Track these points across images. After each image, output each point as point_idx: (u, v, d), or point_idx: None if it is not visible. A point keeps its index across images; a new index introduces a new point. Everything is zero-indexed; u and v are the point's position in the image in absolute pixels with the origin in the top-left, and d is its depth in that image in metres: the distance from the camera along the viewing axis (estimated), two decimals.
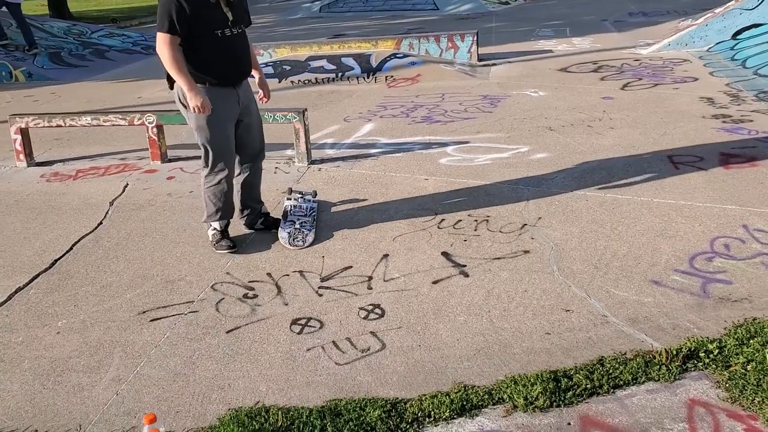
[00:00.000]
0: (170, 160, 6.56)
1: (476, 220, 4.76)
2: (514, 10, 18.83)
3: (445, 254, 4.30)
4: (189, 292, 4.06)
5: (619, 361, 3.10)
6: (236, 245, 4.55)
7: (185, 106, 4.30)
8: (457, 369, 3.16)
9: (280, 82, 9.76)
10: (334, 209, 5.15)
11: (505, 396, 2.92)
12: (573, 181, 5.37)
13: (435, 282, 3.98)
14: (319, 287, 4.01)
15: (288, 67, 10.15)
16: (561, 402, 2.86)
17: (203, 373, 3.27)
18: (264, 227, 4.83)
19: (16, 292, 4.19)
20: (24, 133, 6.68)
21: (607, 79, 9.06)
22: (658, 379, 2.97)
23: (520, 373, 3.07)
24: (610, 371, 3.02)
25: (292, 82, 9.90)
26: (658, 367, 3.03)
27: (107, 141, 7.41)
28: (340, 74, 9.92)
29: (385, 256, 4.34)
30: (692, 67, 9.32)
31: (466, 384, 3.03)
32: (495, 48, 11.94)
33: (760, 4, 10.34)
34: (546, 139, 6.50)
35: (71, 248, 4.76)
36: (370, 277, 4.08)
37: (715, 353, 3.09)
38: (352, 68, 9.96)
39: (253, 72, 4.63)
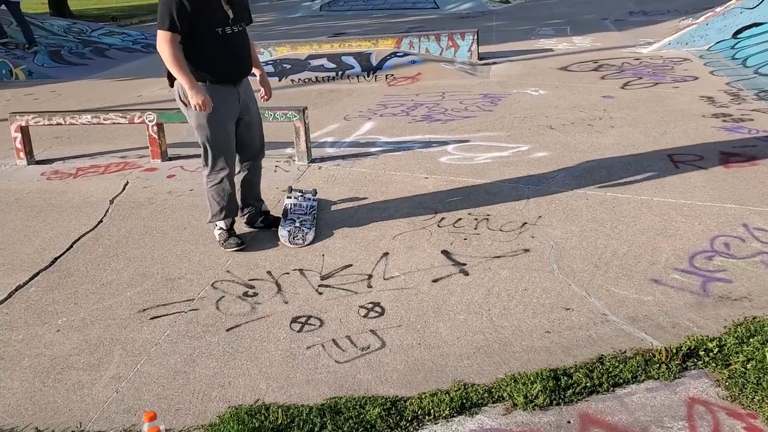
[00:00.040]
0: (170, 159, 6.56)
1: (476, 219, 4.76)
2: (514, 9, 18.82)
3: (445, 253, 4.30)
4: (189, 290, 4.06)
5: (618, 359, 3.11)
6: (244, 242, 4.55)
7: (186, 104, 4.30)
8: (456, 367, 3.17)
9: (280, 80, 9.76)
10: (334, 208, 5.15)
11: (504, 394, 2.92)
12: (573, 179, 5.37)
13: (435, 280, 3.98)
14: (319, 285, 4.01)
15: (288, 66, 10.15)
16: (561, 400, 2.86)
17: (203, 371, 3.27)
18: (264, 225, 4.83)
19: (16, 290, 4.20)
20: (24, 131, 6.68)
21: (608, 78, 9.06)
22: (658, 378, 2.97)
23: (520, 372, 3.07)
24: (610, 369, 3.02)
25: (292, 80, 9.90)
26: (657, 365, 3.03)
27: (107, 139, 7.41)
28: (340, 73, 9.92)
29: (385, 254, 4.34)
30: (693, 66, 9.32)
31: (465, 382, 3.03)
32: (495, 47, 11.93)
33: (760, 3, 10.33)
34: (546, 138, 6.50)
35: (71, 246, 4.77)
36: (370, 276, 4.08)
37: (715, 352, 3.09)
38: (353, 67, 9.95)
39: (255, 70, 4.64)
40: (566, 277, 3.91)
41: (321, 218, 4.94)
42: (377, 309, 3.71)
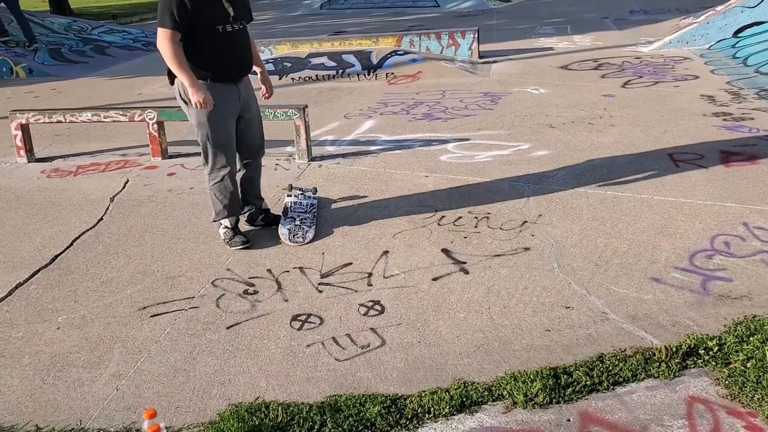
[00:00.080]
0: (171, 157, 6.56)
1: (476, 217, 4.76)
2: (515, 8, 18.81)
3: (445, 251, 4.30)
4: (189, 288, 4.06)
5: (618, 357, 3.11)
6: (250, 240, 4.55)
7: (186, 102, 4.30)
8: (456, 365, 3.17)
9: (280, 78, 9.76)
10: (334, 206, 5.15)
11: (504, 392, 2.92)
12: (573, 178, 5.37)
13: (435, 279, 3.98)
14: (319, 283, 4.01)
15: (288, 64, 10.14)
16: (561, 398, 2.86)
17: (203, 369, 3.27)
18: (264, 223, 4.83)
19: (16, 287, 4.20)
20: (24, 128, 6.68)
21: (608, 76, 9.06)
22: (658, 376, 2.97)
23: (520, 370, 3.07)
24: (610, 368, 3.03)
25: (292, 78, 9.89)
26: (657, 364, 3.03)
27: (108, 137, 7.41)
28: (340, 71, 9.91)
29: (385, 252, 4.34)
30: (693, 65, 9.32)
31: (465, 380, 3.03)
32: (496, 45, 11.93)
33: (761, 2, 10.32)
34: (546, 137, 6.50)
35: (71, 244, 4.77)
36: (370, 274, 4.08)
37: (715, 350, 3.09)
38: (353, 65, 9.95)
39: (255, 68, 4.63)
40: (566, 276, 3.91)
41: (321, 216, 4.94)
42: (377, 307, 3.71)
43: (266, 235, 4.70)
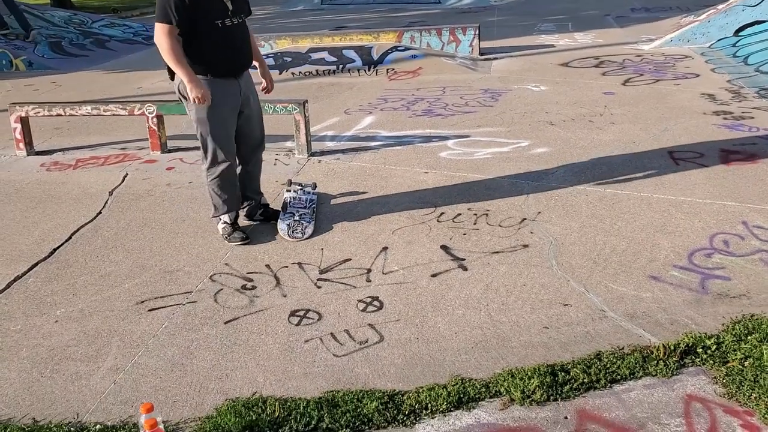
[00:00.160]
0: (170, 151, 6.55)
1: (476, 214, 4.75)
2: (516, 4, 18.77)
3: (444, 248, 4.30)
4: (187, 282, 4.06)
5: (616, 355, 3.11)
6: (249, 237, 4.54)
7: (185, 98, 4.28)
8: (454, 362, 3.17)
9: (280, 73, 9.75)
10: (333, 201, 5.15)
11: (502, 389, 2.92)
12: (573, 176, 5.37)
13: (434, 275, 3.98)
14: (317, 279, 4.01)
15: (289, 59, 10.13)
16: (558, 396, 2.86)
17: (201, 364, 3.27)
18: (263, 218, 4.83)
19: (14, 280, 4.19)
20: (24, 122, 6.67)
21: (609, 74, 9.05)
22: (656, 374, 2.97)
23: (518, 367, 3.07)
24: (608, 366, 3.03)
25: (293, 73, 9.88)
26: (655, 362, 3.03)
27: (107, 131, 7.40)
28: (341, 66, 9.90)
29: (384, 248, 4.33)
30: (694, 64, 9.31)
31: (463, 377, 3.03)
32: (497, 42, 11.91)
33: (762, 1, 10.31)
34: (546, 134, 6.50)
35: (70, 237, 4.76)
36: (369, 270, 4.08)
37: (713, 349, 3.09)
38: (353, 60, 9.94)
39: (255, 62, 4.62)
40: (565, 273, 3.91)
41: (320, 212, 4.94)
42: (376, 303, 3.71)
43: (265, 230, 4.70)
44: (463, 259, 4.14)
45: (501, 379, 2.98)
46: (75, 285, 4.10)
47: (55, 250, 4.58)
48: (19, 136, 6.68)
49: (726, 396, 2.82)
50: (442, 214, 4.79)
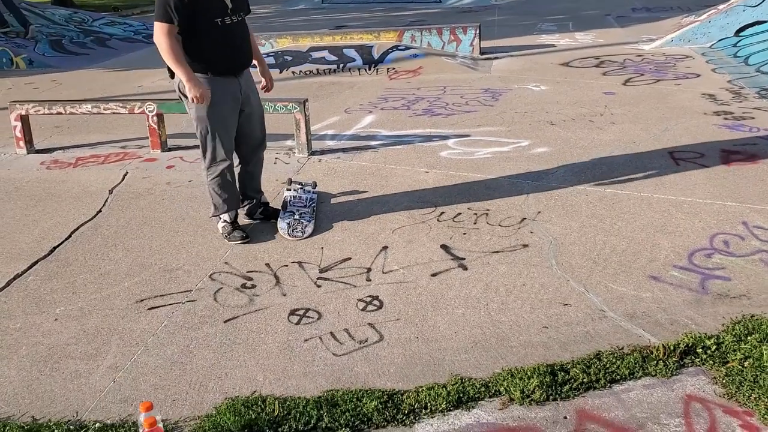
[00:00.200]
0: (170, 149, 6.55)
1: (476, 214, 4.75)
2: (517, 4, 18.74)
3: (444, 247, 4.30)
4: (187, 281, 4.06)
5: (616, 355, 3.11)
6: (249, 235, 4.54)
7: (185, 96, 4.28)
8: (454, 361, 3.17)
9: (281, 72, 9.74)
10: (333, 201, 5.15)
11: (501, 389, 2.92)
12: (573, 175, 5.37)
13: (434, 274, 3.98)
14: (317, 278, 4.01)
15: (289, 58, 10.13)
16: (557, 396, 2.86)
17: (200, 362, 3.27)
18: (263, 217, 4.83)
19: (14, 278, 4.19)
20: (24, 120, 6.66)
21: (609, 74, 9.04)
22: (655, 375, 2.97)
23: (517, 366, 3.07)
24: (607, 366, 3.02)
25: (293, 72, 9.88)
26: (655, 362, 3.03)
27: (107, 129, 7.40)
28: (341, 65, 9.89)
29: (384, 248, 4.33)
30: (694, 64, 9.30)
31: (462, 376, 3.03)
32: (497, 41, 11.90)
33: (763, 1, 10.30)
34: (547, 134, 6.49)
35: (70, 236, 4.76)
36: (369, 269, 4.08)
37: (713, 349, 3.09)
38: (354, 59, 9.94)
39: (255, 60, 4.61)
40: (565, 273, 3.91)
41: (320, 211, 4.94)
42: (375, 302, 3.71)
43: (265, 229, 4.70)
44: (463, 259, 4.14)
45: (500, 378, 2.98)
46: (75, 283, 4.10)
47: (54, 248, 4.58)
48: (19, 134, 6.68)
49: (726, 396, 2.82)
50: (442, 213, 4.79)
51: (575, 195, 4.99)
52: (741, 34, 10.24)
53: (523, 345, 3.27)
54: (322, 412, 2.83)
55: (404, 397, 2.91)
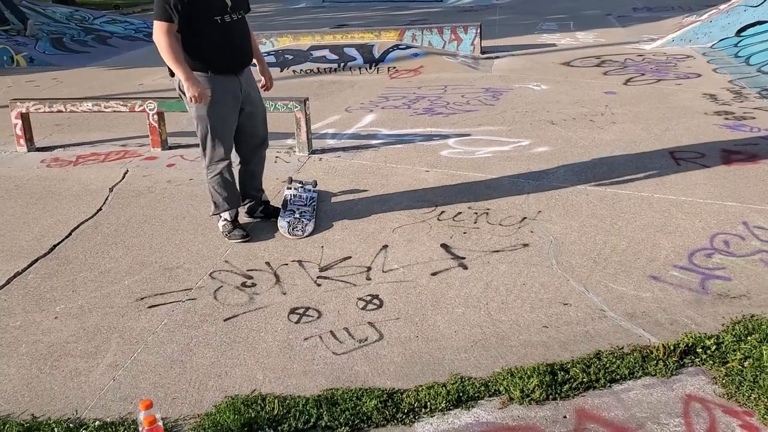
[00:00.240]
0: (170, 148, 6.55)
1: (476, 213, 4.75)
2: (518, 3, 18.74)
3: (444, 246, 4.30)
4: (187, 279, 4.06)
5: (616, 355, 3.11)
6: (249, 234, 4.53)
7: (185, 95, 4.27)
8: (454, 360, 3.17)
9: (282, 71, 9.74)
10: (334, 199, 5.15)
11: (501, 388, 2.92)
12: (574, 175, 5.37)
13: (434, 274, 3.97)
14: (317, 277, 4.01)
15: (290, 57, 10.12)
16: (557, 395, 2.86)
17: (200, 361, 3.27)
18: (264, 216, 4.83)
19: (14, 276, 4.19)
20: (25, 117, 6.67)
21: (610, 73, 9.04)
22: (655, 374, 2.97)
23: (517, 366, 3.07)
24: (607, 365, 3.02)
25: (293, 71, 9.87)
26: (655, 362, 3.03)
27: (108, 127, 7.40)
28: (342, 64, 9.89)
29: (385, 247, 4.33)
30: (695, 64, 9.30)
31: (462, 375, 3.03)
32: (498, 41, 11.90)
33: (764, 1, 10.30)
34: (547, 133, 6.49)
35: (70, 234, 4.76)
36: (369, 268, 4.08)
37: (713, 349, 3.09)
38: (355, 58, 9.93)
39: (254, 59, 4.61)
40: (565, 273, 3.91)
41: (321, 210, 4.93)
42: (376, 301, 3.71)
43: (265, 228, 4.70)
44: (463, 258, 4.14)
45: (500, 377, 2.98)
46: (75, 281, 4.10)
47: (55, 246, 4.58)
48: (19, 132, 6.68)
49: (725, 396, 2.82)
50: (443, 212, 4.79)
51: (576, 194, 4.99)
52: (742, 34, 10.23)
53: (523, 344, 3.26)
54: (321, 410, 2.83)
55: (404, 396, 2.91)
